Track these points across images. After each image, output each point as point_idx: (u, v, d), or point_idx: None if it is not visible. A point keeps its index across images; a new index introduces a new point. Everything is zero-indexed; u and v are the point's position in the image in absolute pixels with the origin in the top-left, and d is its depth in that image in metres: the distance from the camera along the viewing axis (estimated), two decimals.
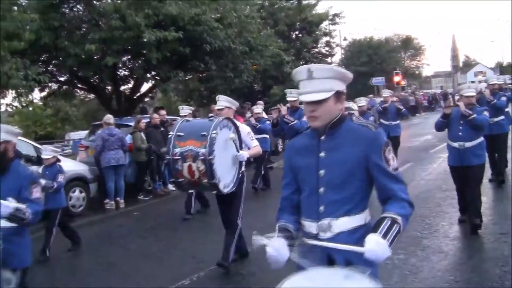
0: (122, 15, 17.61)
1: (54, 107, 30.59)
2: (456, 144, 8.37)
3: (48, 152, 9.37)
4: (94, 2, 19.51)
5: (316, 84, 3.07)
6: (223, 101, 7.64)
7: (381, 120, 14.79)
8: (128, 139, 14.16)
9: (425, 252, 7.40)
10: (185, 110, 12.99)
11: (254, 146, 7.44)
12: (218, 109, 7.67)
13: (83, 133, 22.97)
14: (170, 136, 6.99)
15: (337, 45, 41.61)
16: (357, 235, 3.05)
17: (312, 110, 3.10)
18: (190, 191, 9.89)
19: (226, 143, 6.93)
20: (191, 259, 8.10)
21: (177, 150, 6.75)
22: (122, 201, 13.30)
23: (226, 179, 6.89)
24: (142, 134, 14.14)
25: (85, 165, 13.42)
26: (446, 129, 8.61)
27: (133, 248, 9.21)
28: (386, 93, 15.52)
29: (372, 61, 56.21)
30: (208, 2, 19.81)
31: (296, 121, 11.35)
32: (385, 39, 63.41)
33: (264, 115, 15.31)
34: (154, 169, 14.48)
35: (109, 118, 13.62)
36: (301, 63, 33.20)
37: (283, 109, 11.59)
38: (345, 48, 56.65)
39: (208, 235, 9.46)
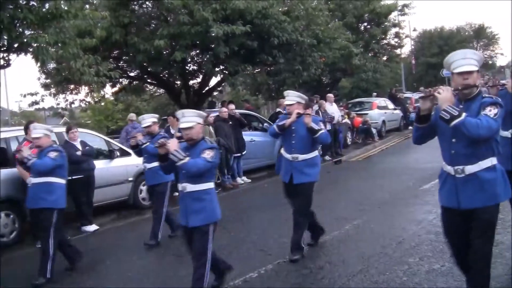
0: (190, 11, 17.77)
1: (125, 102, 31.22)
2: (449, 168, 4.99)
3: None
4: None
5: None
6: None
7: None
8: None
9: (498, 248, 6.94)
10: (148, 120, 9.69)
11: None
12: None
13: None
14: None
15: (406, 36, 40.80)
16: None
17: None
18: None
19: None
20: (259, 252, 8.12)
21: None
22: None
23: None
24: (211, 128, 14.28)
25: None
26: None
27: None
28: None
29: (442, 52, 54.89)
30: None
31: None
32: (456, 29, 61.93)
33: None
34: (223, 162, 14.58)
35: (132, 116, 15.44)
36: (369, 55, 32.80)
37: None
38: (415, 39, 55.62)
39: (276, 228, 9.49)
